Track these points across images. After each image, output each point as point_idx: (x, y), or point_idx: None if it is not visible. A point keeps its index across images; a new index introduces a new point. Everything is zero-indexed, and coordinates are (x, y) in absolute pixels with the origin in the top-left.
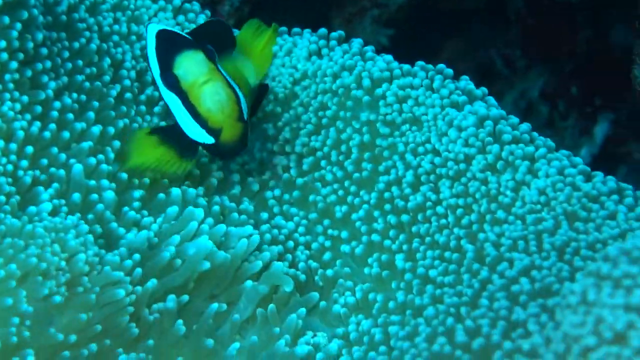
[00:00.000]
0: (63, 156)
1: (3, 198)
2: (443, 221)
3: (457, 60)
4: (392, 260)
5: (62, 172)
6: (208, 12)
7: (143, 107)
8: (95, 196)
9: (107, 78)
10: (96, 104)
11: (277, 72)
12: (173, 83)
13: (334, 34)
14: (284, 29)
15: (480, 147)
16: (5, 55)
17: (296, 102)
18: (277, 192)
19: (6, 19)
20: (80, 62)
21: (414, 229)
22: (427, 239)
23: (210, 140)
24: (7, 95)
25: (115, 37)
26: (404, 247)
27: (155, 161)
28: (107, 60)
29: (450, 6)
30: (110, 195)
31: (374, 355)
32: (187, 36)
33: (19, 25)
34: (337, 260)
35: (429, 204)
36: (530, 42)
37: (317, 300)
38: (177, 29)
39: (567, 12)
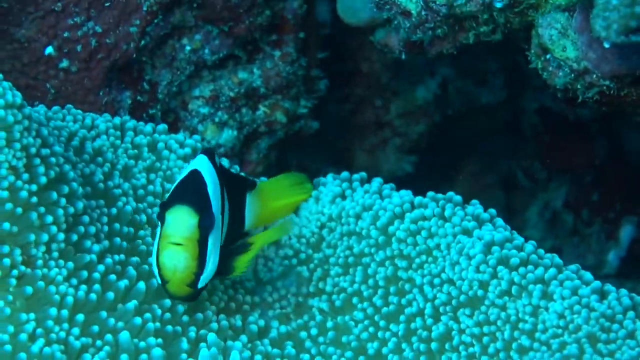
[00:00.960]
0: (112, 321)
1: None
2: (471, 349)
3: (479, 175)
4: None
5: (109, 336)
6: (237, 167)
7: None
8: (144, 356)
9: (142, 233)
10: (134, 259)
11: (306, 220)
12: (160, 218)
13: (355, 176)
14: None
15: (492, 273)
16: (54, 229)
17: (324, 244)
18: (313, 332)
19: (53, 195)
20: (117, 226)
21: (443, 358)
22: None
23: (159, 280)
24: (53, 263)
25: (150, 198)
26: None
27: None
28: (144, 218)
29: (466, 130)
30: (157, 352)
31: None
32: (211, 190)
33: (63, 201)
34: None
35: (453, 333)
36: (548, 156)
37: None
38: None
39: (581, 125)
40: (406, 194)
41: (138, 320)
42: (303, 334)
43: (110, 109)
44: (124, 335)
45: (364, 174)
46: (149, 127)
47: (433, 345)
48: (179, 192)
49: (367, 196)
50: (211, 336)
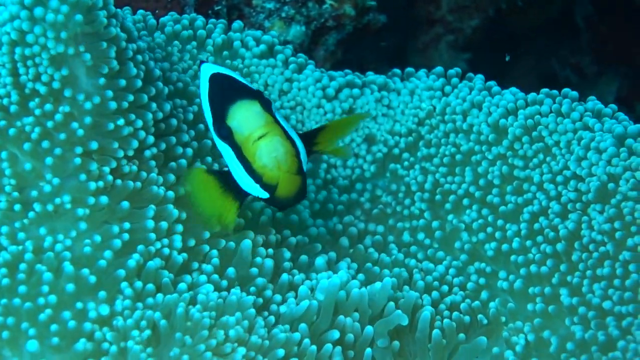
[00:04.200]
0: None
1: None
2: (602, 248)
3: (527, 74)
4: (557, 294)
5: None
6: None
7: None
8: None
9: None
10: None
11: (400, 114)
12: (226, 135)
13: (451, 72)
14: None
15: (626, 165)
16: (142, 133)
17: (421, 142)
18: (420, 237)
19: (144, 97)
20: (202, 126)
21: (573, 257)
22: (589, 271)
23: (264, 194)
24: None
25: None
26: (568, 278)
27: (218, 210)
28: None
29: (517, 23)
30: (269, 263)
31: None
32: (242, 80)
33: (153, 105)
34: (495, 299)
35: (583, 232)
36: (602, 48)
37: (485, 344)
38: (231, 72)
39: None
40: (517, 90)
41: (250, 234)
42: (406, 236)
43: (176, 6)
44: (246, 244)
45: (458, 69)
46: (220, 25)
47: (559, 246)
48: (220, 98)
49: (475, 92)
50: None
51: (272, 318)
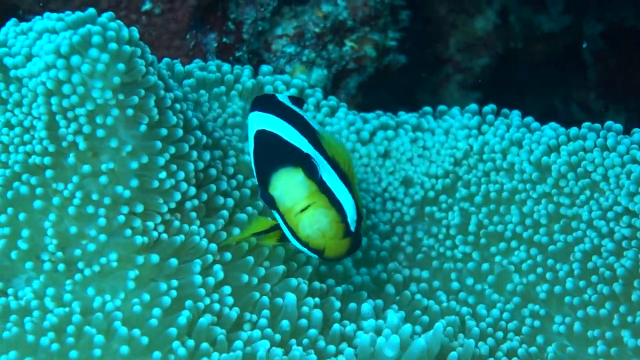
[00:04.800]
0: (267, 286)
1: None
2: None
3: (538, 111)
4: (618, 336)
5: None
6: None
7: None
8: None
9: None
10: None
11: (436, 155)
12: (270, 203)
13: (486, 109)
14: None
15: None
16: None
17: (459, 182)
18: (469, 281)
19: (185, 147)
20: (241, 177)
21: (633, 297)
22: None
23: (314, 255)
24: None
25: None
26: (629, 319)
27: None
28: None
29: (528, 61)
30: (318, 314)
31: None
32: (289, 138)
33: (194, 154)
34: (552, 343)
35: None
36: (610, 82)
37: None
38: (280, 124)
39: None
40: (557, 125)
41: (293, 282)
42: (455, 284)
43: (198, 52)
44: (290, 298)
45: (493, 106)
46: (247, 70)
47: (616, 285)
48: (264, 163)
49: (513, 130)
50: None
51: None
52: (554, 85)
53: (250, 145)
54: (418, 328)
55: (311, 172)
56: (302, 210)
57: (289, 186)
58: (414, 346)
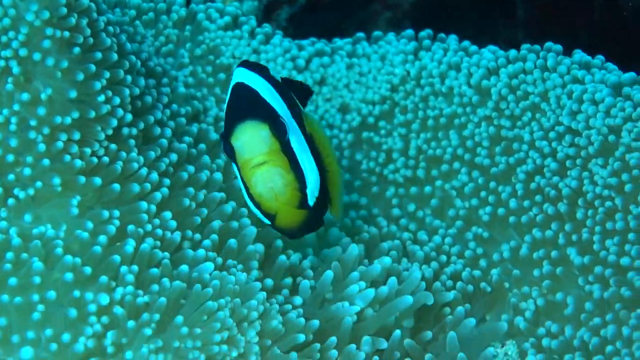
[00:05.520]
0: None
1: None
2: (609, 203)
3: None
4: (564, 255)
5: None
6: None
7: None
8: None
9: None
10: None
11: (372, 81)
12: (229, 153)
13: (422, 34)
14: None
15: (626, 116)
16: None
17: (397, 108)
18: (411, 207)
19: (120, 73)
20: (175, 107)
21: (578, 215)
22: (597, 227)
23: (266, 221)
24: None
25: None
26: (573, 237)
27: None
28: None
29: None
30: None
31: None
32: (266, 96)
33: (128, 78)
34: (497, 266)
35: (586, 187)
36: (541, 21)
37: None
38: (262, 83)
39: None
40: (496, 48)
41: (227, 208)
42: (395, 210)
43: None
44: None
45: (430, 31)
46: None
47: (561, 206)
48: (233, 112)
49: (451, 54)
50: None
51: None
52: (482, 25)
53: (227, 95)
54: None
55: (278, 130)
56: (258, 165)
57: (251, 138)
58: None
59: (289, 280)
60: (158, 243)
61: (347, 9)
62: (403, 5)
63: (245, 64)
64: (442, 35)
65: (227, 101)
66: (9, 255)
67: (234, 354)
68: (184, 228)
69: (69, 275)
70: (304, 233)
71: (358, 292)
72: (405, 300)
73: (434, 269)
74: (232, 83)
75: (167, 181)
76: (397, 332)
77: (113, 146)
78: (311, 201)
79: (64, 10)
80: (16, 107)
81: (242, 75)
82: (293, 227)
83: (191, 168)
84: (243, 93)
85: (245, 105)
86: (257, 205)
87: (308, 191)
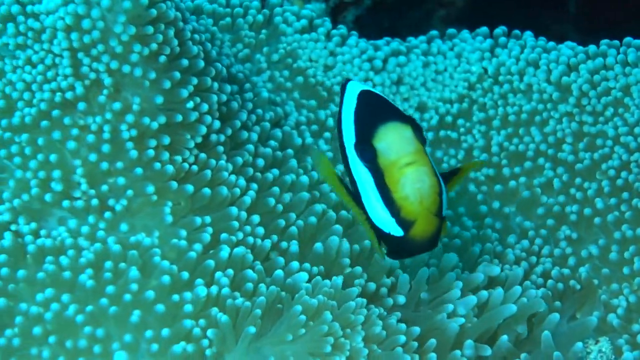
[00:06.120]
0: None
1: None
2: None
3: None
4: None
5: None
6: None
7: None
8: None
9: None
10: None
11: (449, 79)
12: (370, 158)
13: (497, 31)
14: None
15: None
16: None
17: (475, 106)
18: (495, 205)
19: (207, 80)
20: (260, 111)
21: None
22: None
23: (398, 232)
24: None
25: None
26: None
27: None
28: (278, 99)
29: None
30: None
31: None
32: (393, 103)
33: (215, 85)
34: (586, 264)
35: None
36: (592, 15)
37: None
38: (381, 92)
39: None
40: (574, 44)
41: (318, 207)
42: (483, 207)
43: None
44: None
45: (504, 28)
46: (255, 2)
47: None
48: (370, 116)
49: (528, 50)
50: None
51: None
52: (534, 19)
53: (348, 105)
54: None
55: (419, 132)
56: (408, 165)
57: (397, 139)
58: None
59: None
60: (249, 250)
61: (402, 9)
62: (457, 2)
63: (355, 80)
64: (517, 31)
65: (353, 109)
66: (108, 264)
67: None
68: (270, 232)
69: (167, 279)
70: (432, 247)
71: (459, 298)
72: (510, 309)
73: (524, 269)
74: (349, 94)
75: (254, 185)
76: (504, 337)
77: (202, 155)
78: (444, 210)
79: (151, 29)
80: (108, 116)
81: (361, 86)
82: (427, 237)
83: (276, 171)
84: (372, 99)
85: (381, 110)
86: (396, 212)
87: (444, 199)
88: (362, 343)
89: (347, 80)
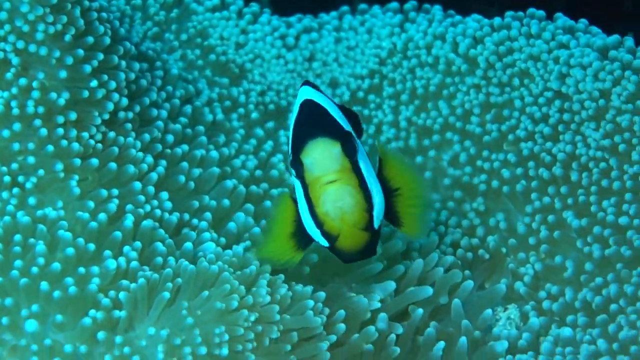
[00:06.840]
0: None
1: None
2: (603, 164)
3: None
4: (561, 219)
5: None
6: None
7: None
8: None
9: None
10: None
11: (360, 55)
12: (298, 171)
13: (407, 6)
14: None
15: (614, 79)
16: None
17: (385, 82)
18: None
19: (114, 58)
20: (170, 88)
21: (573, 178)
22: (594, 187)
23: (324, 243)
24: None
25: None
26: (569, 200)
27: (282, 253)
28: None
29: None
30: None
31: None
32: (334, 115)
33: (123, 63)
34: (494, 234)
35: (579, 151)
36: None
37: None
38: (329, 103)
39: None
40: (480, 17)
41: (228, 183)
42: None
43: None
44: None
45: (414, 2)
46: None
47: (557, 169)
48: (304, 129)
49: (436, 24)
50: None
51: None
52: None
53: (294, 113)
54: None
55: (349, 150)
56: (329, 183)
57: (322, 156)
58: None
59: None
60: (157, 224)
61: None
62: None
63: (309, 84)
64: (427, 5)
65: (294, 117)
66: (17, 238)
67: (253, 317)
68: (182, 209)
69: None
70: (362, 258)
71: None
72: (426, 291)
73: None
74: (299, 101)
75: (163, 162)
76: (419, 310)
77: (111, 133)
78: (376, 224)
79: (57, 8)
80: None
81: (309, 93)
82: (353, 250)
83: (185, 147)
84: (312, 110)
85: (316, 123)
86: (320, 225)
87: (374, 213)
88: (269, 297)
89: (304, 83)
